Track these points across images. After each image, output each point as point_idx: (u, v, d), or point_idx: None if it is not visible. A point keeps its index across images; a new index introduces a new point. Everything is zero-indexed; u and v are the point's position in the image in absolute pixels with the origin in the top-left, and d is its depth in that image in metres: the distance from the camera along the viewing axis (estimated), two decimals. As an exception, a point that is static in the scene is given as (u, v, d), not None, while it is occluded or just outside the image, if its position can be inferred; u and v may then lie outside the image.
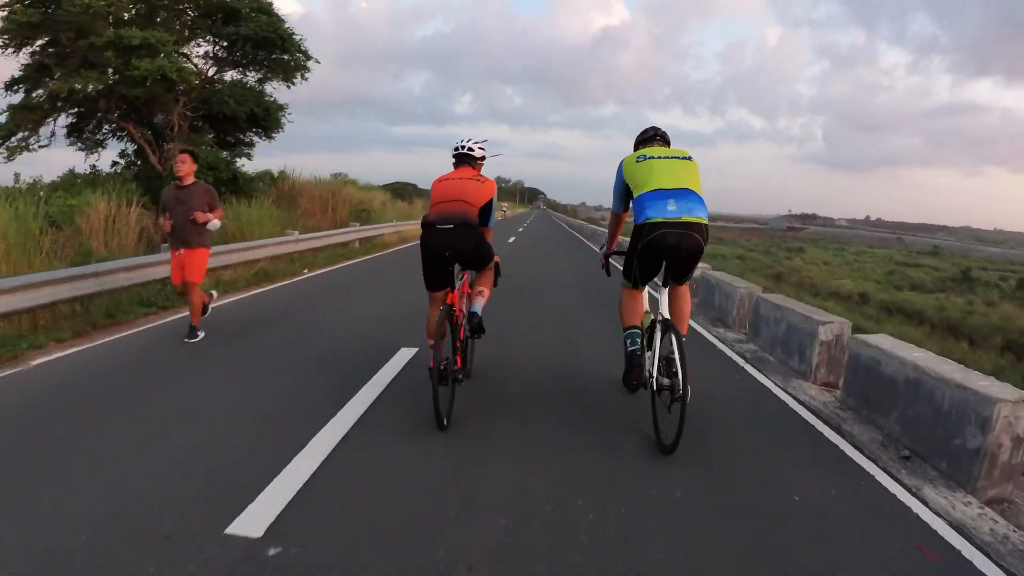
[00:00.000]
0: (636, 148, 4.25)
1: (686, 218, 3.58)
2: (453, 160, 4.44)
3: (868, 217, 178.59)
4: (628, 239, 3.94)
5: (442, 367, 3.66)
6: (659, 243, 3.63)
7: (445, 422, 3.81)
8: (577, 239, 28.17)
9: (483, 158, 4.53)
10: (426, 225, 3.97)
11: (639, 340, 4.03)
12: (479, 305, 4.22)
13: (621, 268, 4.38)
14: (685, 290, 4.07)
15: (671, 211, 3.59)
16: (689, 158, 3.90)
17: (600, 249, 4.81)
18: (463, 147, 4.42)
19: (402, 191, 44.31)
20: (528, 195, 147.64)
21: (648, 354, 3.94)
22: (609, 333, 6.20)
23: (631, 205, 3.95)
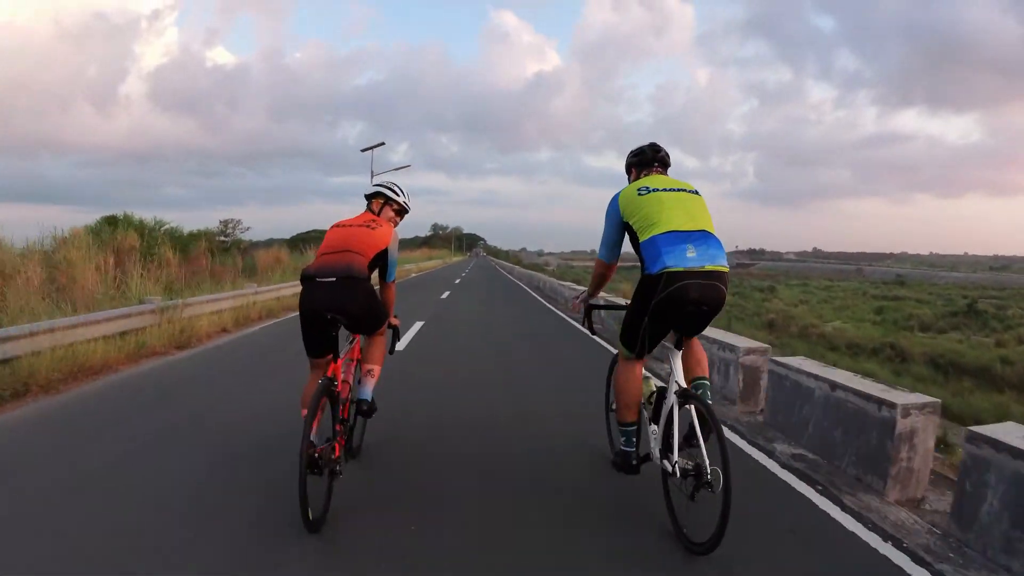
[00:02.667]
0: (630, 172, 3.61)
1: (709, 267, 3.01)
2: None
3: (816, 249, 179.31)
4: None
5: (316, 453, 3.01)
6: (680, 297, 2.99)
7: (315, 521, 3.05)
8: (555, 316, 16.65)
9: (378, 196, 3.92)
10: (305, 279, 3.39)
11: (635, 440, 3.44)
12: (368, 389, 3.82)
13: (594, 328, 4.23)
14: (696, 340, 3.48)
15: (692, 259, 2.99)
16: (697, 192, 3.31)
17: (577, 299, 4.09)
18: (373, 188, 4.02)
19: (304, 240, 37.95)
20: (466, 241, 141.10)
21: (652, 429, 3.35)
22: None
23: (640, 250, 3.17)
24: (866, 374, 4.89)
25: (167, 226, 20.18)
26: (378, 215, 3.86)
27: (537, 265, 63.32)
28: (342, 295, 3.34)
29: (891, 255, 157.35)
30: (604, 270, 3.73)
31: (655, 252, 3.06)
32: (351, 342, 3.88)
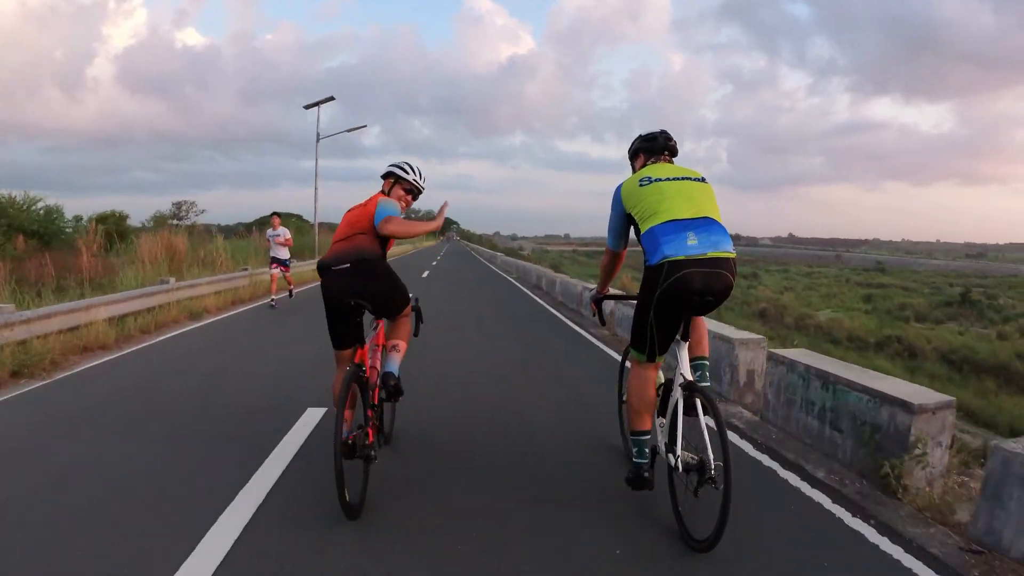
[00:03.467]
0: (636, 157, 3.41)
1: (712, 253, 2.81)
2: None
3: (791, 235, 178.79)
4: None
5: (350, 440, 3.00)
6: (682, 287, 2.80)
7: (354, 506, 3.02)
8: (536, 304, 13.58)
9: (389, 175, 3.68)
10: (322, 269, 3.35)
11: (647, 452, 3.17)
12: (394, 363, 3.63)
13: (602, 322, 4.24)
14: (699, 318, 3.27)
15: (692, 246, 2.82)
16: (703, 180, 3.13)
17: (589, 292, 4.41)
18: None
19: (261, 224, 34.94)
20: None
21: (659, 423, 3.24)
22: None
23: (641, 242, 3.06)
24: (878, 371, 4.47)
25: (39, 204, 16.41)
26: (388, 196, 3.65)
27: (512, 250, 60.29)
28: (360, 279, 3.28)
29: (865, 241, 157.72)
30: (611, 259, 3.51)
31: (654, 242, 2.90)
32: (375, 328, 3.68)
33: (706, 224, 2.88)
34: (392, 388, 3.52)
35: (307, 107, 22.50)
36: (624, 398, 3.58)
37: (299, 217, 44.85)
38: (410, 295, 3.72)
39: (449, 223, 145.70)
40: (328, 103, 22.82)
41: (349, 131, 25.37)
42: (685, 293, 2.80)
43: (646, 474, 3.11)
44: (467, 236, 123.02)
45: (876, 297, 39.55)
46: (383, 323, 3.72)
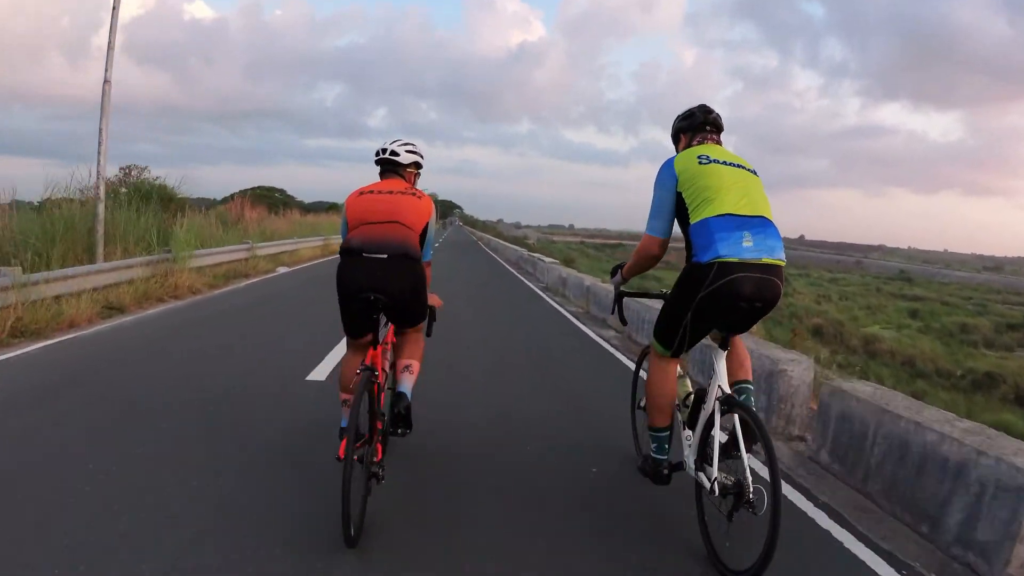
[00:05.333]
0: (678, 140, 3.17)
1: (767, 259, 2.61)
2: (379, 170, 3.42)
3: (803, 236, 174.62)
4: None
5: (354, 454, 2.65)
6: (731, 292, 2.60)
7: (352, 532, 2.67)
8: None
9: (415, 165, 3.44)
10: (348, 251, 2.97)
11: (667, 447, 3.09)
12: (407, 385, 3.30)
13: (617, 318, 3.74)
14: (739, 339, 3.10)
15: (747, 248, 2.60)
16: (755, 172, 2.90)
17: (612, 278, 3.49)
18: (385, 151, 3.37)
19: (266, 198, 31.20)
20: (441, 209, 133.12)
21: (686, 435, 3.03)
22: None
23: (688, 233, 2.77)
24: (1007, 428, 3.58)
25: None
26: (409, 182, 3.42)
27: (518, 238, 56.51)
28: (394, 277, 2.93)
29: (876, 247, 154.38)
30: (653, 248, 3.00)
31: (707, 237, 2.65)
32: (386, 325, 3.37)
33: (762, 225, 2.66)
34: (402, 414, 3.18)
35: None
36: (640, 403, 3.54)
37: (282, 192, 41.30)
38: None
39: (452, 207, 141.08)
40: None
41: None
42: (733, 298, 2.61)
43: (665, 471, 3.05)
44: (470, 222, 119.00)
45: (922, 313, 35.99)
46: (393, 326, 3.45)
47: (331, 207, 44.99)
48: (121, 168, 23.45)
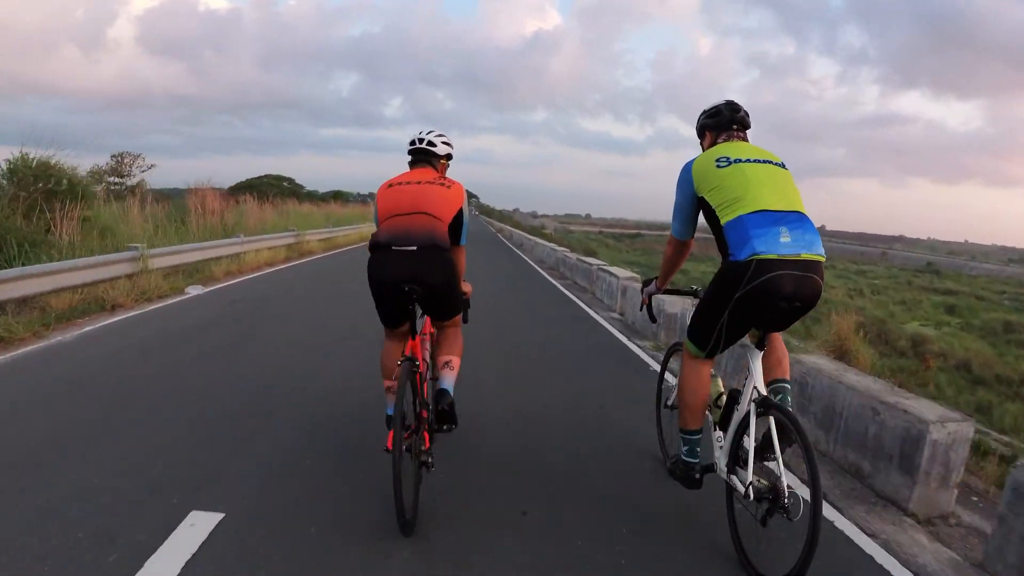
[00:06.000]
0: (703, 136, 3.12)
1: (806, 255, 2.56)
2: (409, 160, 3.47)
3: (824, 227, 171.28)
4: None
5: (405, 444, 2.75)
6: (771, 290, 2.53)
7: (408, 521, 2.81)
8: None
9: (449, 156, 3.52)
10: (378, 247, 3.00)
11: (699, 451, 3.02)
12: (450, 381, 3.29)
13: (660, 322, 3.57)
14: (778, 335, 3.03)
15: (785, 244, 2.54)
16: (783, 165, 2.86)
17: (643, 287, 3.59)
18: (421, 140, 3.41)
19: (259, 187, 29.92)
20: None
21: (717, 436, 2.96)
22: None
23: (724, 232, 2.70)
24: None
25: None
26: (440, 172, 3.46)
27: (535, 228, 55.13)
28: (426, 268, 2.95)
29: (898, 238, 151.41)
30: (676, 249, 3.18)
31: (742, 235, 2.60)
32: (422, 316, 3.41)
33: (799, 220, 2.63)
34: (446, 411, 3.13)
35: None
36: (667, 402, 3.61)
37: (291, 181, 40.15)
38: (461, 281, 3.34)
39: (468, 196, 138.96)
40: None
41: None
42: (773, 297, 2.56)
43: (697, 475, 3.00)
44: (486, 211, 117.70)
45: (960, 309, 34.36)
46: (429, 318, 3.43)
47: (337, 195, 43.65)
48: (113, 156, 21.65)
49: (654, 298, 3.64)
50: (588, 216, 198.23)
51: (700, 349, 2.90)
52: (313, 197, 34.14)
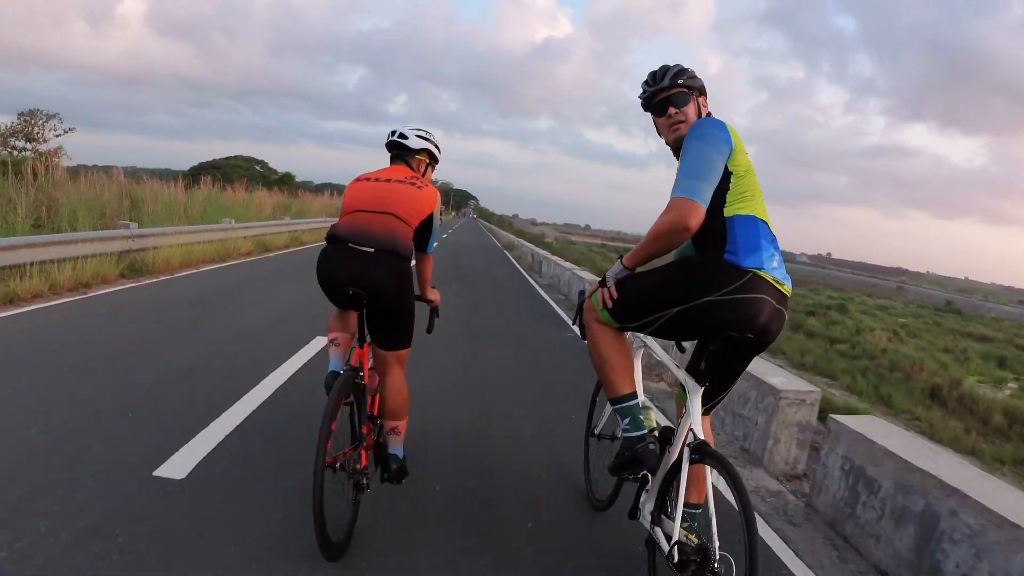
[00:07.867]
0: (691, 100, 2.47)
1: (785, 288, 2.20)
2: (390, 155, 3.17)
3: (829, 254, 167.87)
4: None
5: (336, 461, 2.43)
6: (748, 312, 2.12)
7: (336, 544, 2.50)
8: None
9: (425, 153, 3.10)
10: (334, 239, 2.71)
11: (641, 419, 2.42)
12: (397, 445, 2.96)
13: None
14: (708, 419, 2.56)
15: (775, 269, 2.18)
16: None
17: (618, 259, 2.52)
18: (394, 133, 3.10)
19: (224, 169, 25.81)
20: (456, 198, 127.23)
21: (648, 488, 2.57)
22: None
23: (725, 225, 2.20)
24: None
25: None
26: (423, 175, 3.11)
27: (536, 237, 51.12)
28: (377, 273, 2.62)
29: (901, 271, 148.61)
30: (689, 218, 2.11)
31: (753, 240, 2.14)
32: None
33: (777, 245, 2.24)
34: (396, 471, 2.89)
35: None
36: (597, 430, 3.28)
37: (263, 164, 35.90)
38: (426, 289, 3.23)
39: (467, 197, 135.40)
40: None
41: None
42: (745, 320, 2.12)
43: (651, 444, 2.35)
44: (485, 215, 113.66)
45: (1011, 362, 30.39)
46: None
47: (304, 185, 39.33)
48: (20, 115, 16.84)
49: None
50: (588, 227, 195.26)
51: (615, 318, 2.42)
52: (313, 189, 30.69)
